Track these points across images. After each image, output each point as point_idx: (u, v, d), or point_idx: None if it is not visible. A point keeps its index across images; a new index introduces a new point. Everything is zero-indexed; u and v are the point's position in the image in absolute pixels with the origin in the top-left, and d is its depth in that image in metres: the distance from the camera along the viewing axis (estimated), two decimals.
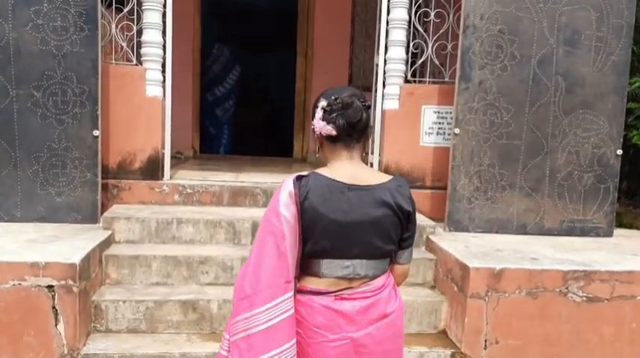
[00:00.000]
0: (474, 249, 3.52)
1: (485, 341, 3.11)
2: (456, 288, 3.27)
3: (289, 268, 1.51)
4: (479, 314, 3.09)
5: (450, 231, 4.01)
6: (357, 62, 7.03)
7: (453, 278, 3.33)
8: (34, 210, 3.73)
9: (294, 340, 1.51)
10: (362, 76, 6.90)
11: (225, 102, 8.07)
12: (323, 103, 1.58)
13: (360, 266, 1.56)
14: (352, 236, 1.53)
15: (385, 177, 1.63)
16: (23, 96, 3.66)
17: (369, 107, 1.61)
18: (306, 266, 1.58)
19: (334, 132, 1.56)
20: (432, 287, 3.60)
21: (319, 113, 1.59)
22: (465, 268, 3.16)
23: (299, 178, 1.55)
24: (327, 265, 1.55)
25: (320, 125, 1.57)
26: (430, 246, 3.79)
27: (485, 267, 3.11)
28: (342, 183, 1.55)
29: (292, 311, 1.51)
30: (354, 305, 1.55)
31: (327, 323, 1.53)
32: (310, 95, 7.12)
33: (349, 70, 7.05)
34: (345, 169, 1.58)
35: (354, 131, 1.57)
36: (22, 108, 3.67)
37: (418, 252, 3.76)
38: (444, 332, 3.34)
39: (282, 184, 1.57)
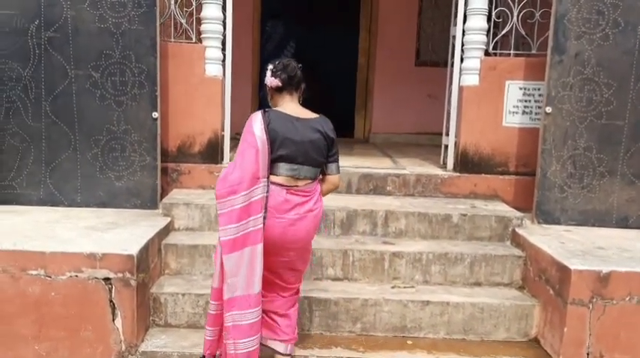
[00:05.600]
0: (570, 245, 3.07)
1: (588, 354, 2.70)
2: (552, 292, 2.85)
3: (260, 169, 2.31)
4: (581, 324, 2.68)
5: (538, 223, 3.56)
6: (424, 35, 6.53)
7: (547, 280, 2.91)
8: (93, 194, 3.62)
9: (261, 214, 2.32)
10: (430, 50, 6.42)
11: None
12: (270, 66, 2.46)
13: (302, 170, 2.38)
14: (298, 149, 2.36)
15: (316, 115, 2.46)
16: (82, 76, 3.53)
17: (301, 68, 2.46)
18: (271, 168, 2.37)
19: (280, 84, 2.42)
20: (521, 288, 3.20)
21: (268, 73, 2.45)
22: (564, 270, 2.73)
23: (264, 112, 2.37)
24: (283, 166, 2.36)
25: (270, 79, 2.44)
26: (517, 241, 3.37)
27: (590, 270, 2.68)
28: (291, 116, 2.39)
29: (260, 196, 2.31)
30: (296, 198, 2.38)
31: (278, 207, 2.36)
32: (374, 74, 6.70)
33: (416, 45, 6.56)
34: (291, 108, 2.43)
35: (292, 82, 2.44)
36: (81, 89, 3.54)
37: (503, 247, 3.36)
38: (535, 341, 2.95)
39: (253, 115, 2.37)
